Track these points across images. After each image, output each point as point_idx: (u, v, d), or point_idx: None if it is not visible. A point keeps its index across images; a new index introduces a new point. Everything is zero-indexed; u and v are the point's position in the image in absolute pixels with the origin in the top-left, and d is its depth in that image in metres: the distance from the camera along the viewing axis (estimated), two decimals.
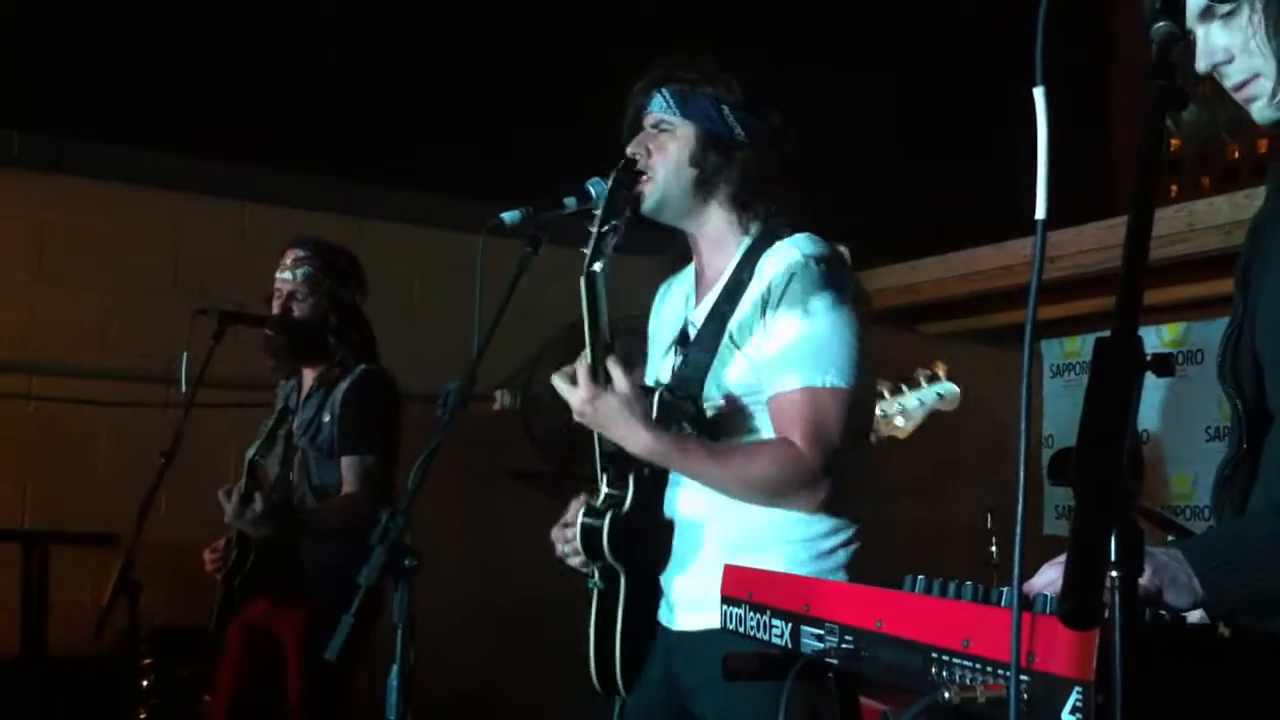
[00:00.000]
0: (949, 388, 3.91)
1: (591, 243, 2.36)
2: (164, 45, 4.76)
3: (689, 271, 2.66)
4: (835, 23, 6.00)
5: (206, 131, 4.81)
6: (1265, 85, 1.63)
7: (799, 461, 2.28)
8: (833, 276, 2.36)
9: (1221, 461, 1.75)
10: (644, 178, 2.48)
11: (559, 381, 2.30)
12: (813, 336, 2.31)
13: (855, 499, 2.42)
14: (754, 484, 2.31)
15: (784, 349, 2.32)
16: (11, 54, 4.55)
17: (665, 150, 2.48)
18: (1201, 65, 1.66)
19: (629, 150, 2.52)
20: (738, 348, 2.39)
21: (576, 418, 2.30)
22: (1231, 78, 1.65)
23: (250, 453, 3.53)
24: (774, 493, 2.32)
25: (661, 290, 2.77)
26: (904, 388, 3.94)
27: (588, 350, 2.33)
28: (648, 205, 2.50)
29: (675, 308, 2.64)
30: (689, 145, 2.47)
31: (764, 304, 2.36)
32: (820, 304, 2.33)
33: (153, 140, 4.79)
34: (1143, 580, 1.44)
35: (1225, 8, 1.62)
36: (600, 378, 2.29)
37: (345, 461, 3.65)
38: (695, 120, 2.47)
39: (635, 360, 2.72)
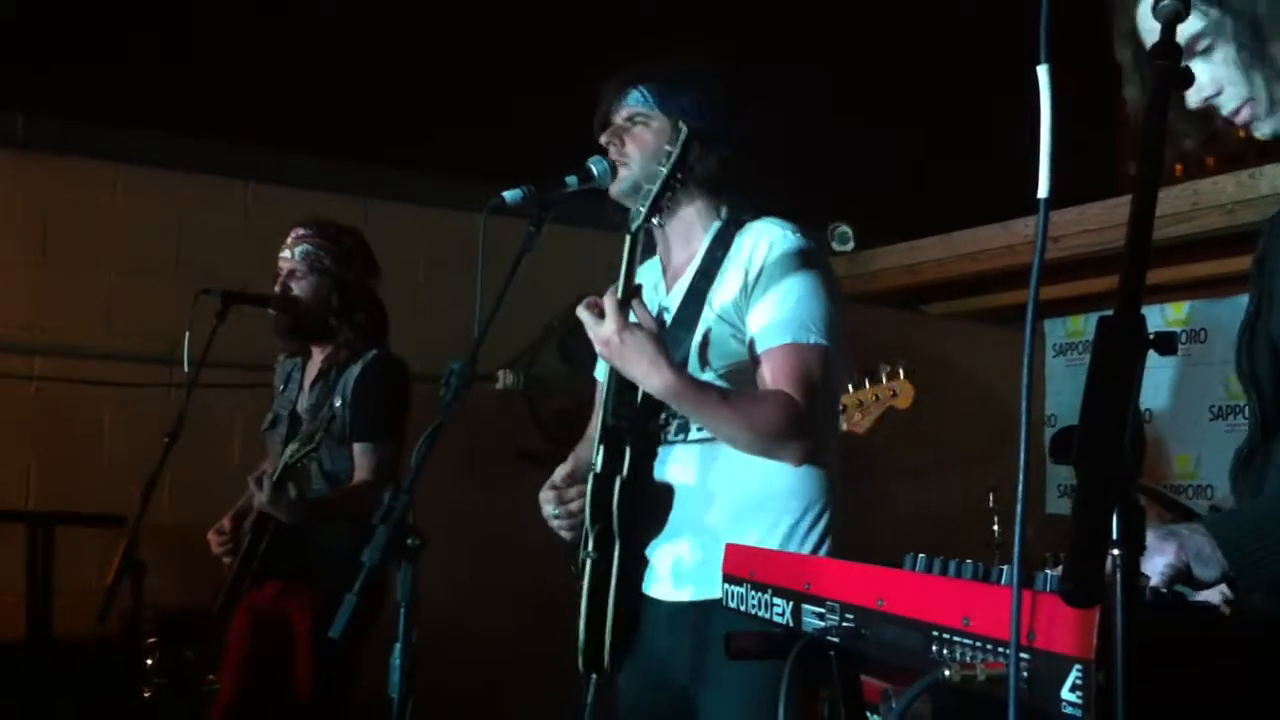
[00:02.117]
0: (903, 385, 4.00)
1: (649, 200, 2.39)
2: (166, 26, 4.74)
3: (649, 267, 2.71)
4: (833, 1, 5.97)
5: (209, 112, 4.80)
6: (1259, 108, 1.70)
7: (795, 409, 2.38)
8: (810, 250, 2.50)
9: (1240, 446, 1.77)
10: (616, 168, 2.55)
11: (584, 313, 2.31)
12: (799, 300, 2.43)
13: (830, 461, 2.52)
14: (758, 428, 2.38)
15: (773, 312, 2.43)
16: (14, 36, 4.53)
17: (641, 140, 2.56)
18: (1194, 101, 1.73)
19: (602, 140, 2.58)
20: (723, 321, 2.48)
21: (600, 348, 2.31)
22: (1225, 107, 1.72)
23: (286, 458, 3.50)
24: (773, 438, 2.39)
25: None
26: (866, 382, 4.03)
27: (620, 287, 2.35)
28: (621, 187, 2.57)
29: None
30: (664, 137, 2.51)
31: (746, 275, 2.47)
32: (803, 272, 2.45)
33: (156, 121, 4.79)
34: (1170, 559, 1.46)
35: (1202, 44, 1.68)
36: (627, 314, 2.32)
37: (358, 448, 3.64)
38: (672, 114, 2.53)
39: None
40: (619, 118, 2.59)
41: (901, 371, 4.03)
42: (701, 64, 2.61)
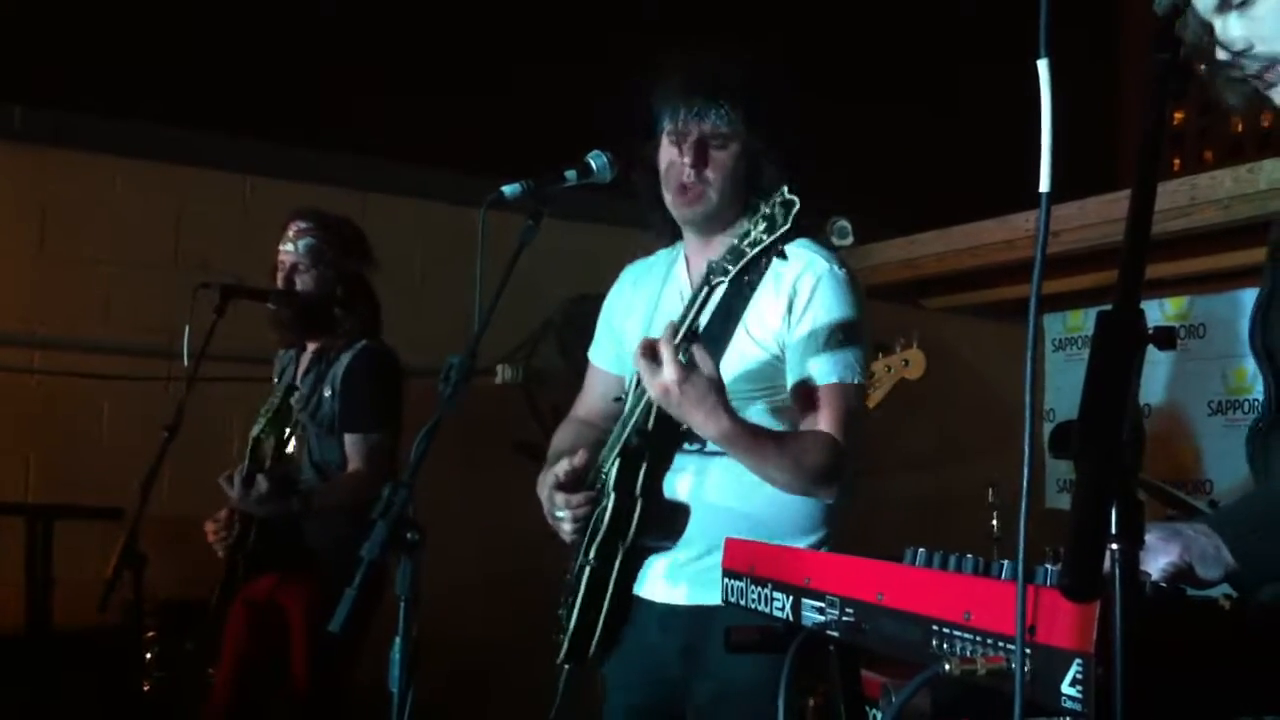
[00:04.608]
0: (915, 354, 3.98)
1: (744, 261, 2.25)
2: (165, 18, 4.74)
3: (669, 261, 2.68)
4: None
5: (208, 105, 4.80)
6: None
7: (838, 452, 2.39)
8: (854, 284, 2.49)
9: (1254, 420, 1.78)
10: (696, 191, 2.48)
11: (641, 360, 2.26)
12: (847, 339, 2.44)
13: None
14: (806, 474, 2.39)
15: (821, 349, 2.42)
16: (13, 28, 4.53)
17: (722, 165, 2.49)
18: (1222, 56, 1.68)
19: (685, 156, 2.49)
20: (756, 343, 2.46)
21: (656, 394, 2.27)
22: (1250, 67, 1.67)
23: (254, 431, 3.50)
24: (816, 482, 2.41)
25: (629, 274, 2.79)
26: (879, 355, 4.02)
27: (681, 331, 2.28)
28: (697, 215, 2.51)
29: (651, 296, 2.66)
30: (743, 160, 2.48)
31: (790, 304, 2.44)
32: (849, 311, 2.45)
33: (154, 114, 4.78)
34: (1173, 558, 1.46)
35: None
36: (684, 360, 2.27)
37: (349, 439, 3.64)
38: (752, 137, 2.47)
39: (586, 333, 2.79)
40: (698, 131, 2.48)
41: (915, 341, 4.02)
42: (780, 74, 2.56)
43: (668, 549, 2.50)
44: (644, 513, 2.42)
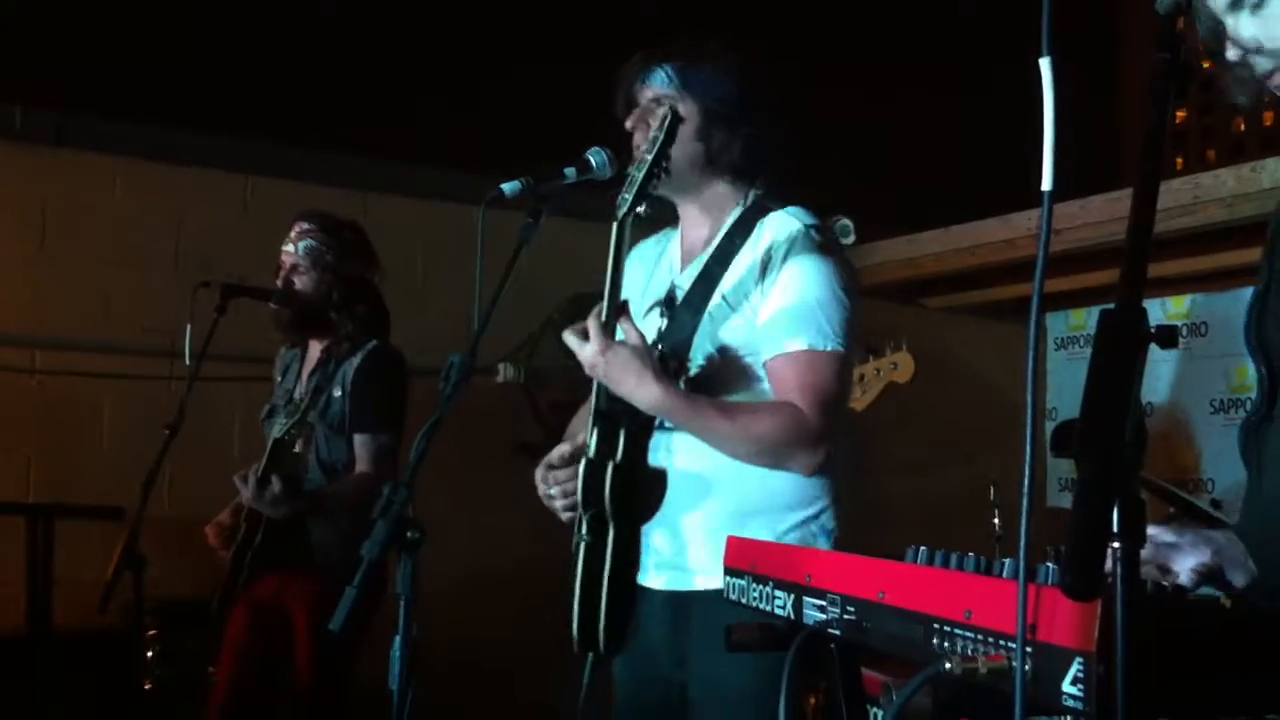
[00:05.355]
0: (904, 358, 3.98)
1: (635, 187, 2.33)
2: (166, 18, 4.74)
3: (667, 237, 2.68)
4: None
5: (209, 106, 4.80)
6: None
7: (803, 423, 2.33)
8: (829, 246, 2.43)
9: (1247, 415, 1.77)
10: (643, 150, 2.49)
11: (570, 337, 2.31)
12: (814, 301, 2.37)
13: (836, 461, 2.46)
14: (758, 441, 2.34)
15: (785, 312, 2.37)
16: (13, 28, 4.53)
17: None
18: (1231, 55, 1.68)
19: (628, 124, 2.53)
20: (731, 308, 2.43)
21: (588, 371, 2.30)
22: (1261, 67, 1.66)
23: (277, 433, 3.49)
24: (776, 452, 2.35)
25: (636, 253, 2.78)
26: (869, 357, 4.01)
27: (605, 303, 2.32)
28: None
29: (646, 272, 2.66)
30: (693, 120, 2.46)
31: (763, 268, 2.41)
32: (819, 271, 2.39)
33: (155, 114, 4.78)
34: (1206, 559, 1.47)
35: None
36: (612, 332, 2.30)
37: (359, 440, 3.65)
38: (698, 95, 2.47)
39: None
40: (643, 98, 2.52)
41: (904, 345, 4.01)
42: (728, 43, 2.55)
43: (650, 517, 2.44)
44: (617, 478, 2.34)
